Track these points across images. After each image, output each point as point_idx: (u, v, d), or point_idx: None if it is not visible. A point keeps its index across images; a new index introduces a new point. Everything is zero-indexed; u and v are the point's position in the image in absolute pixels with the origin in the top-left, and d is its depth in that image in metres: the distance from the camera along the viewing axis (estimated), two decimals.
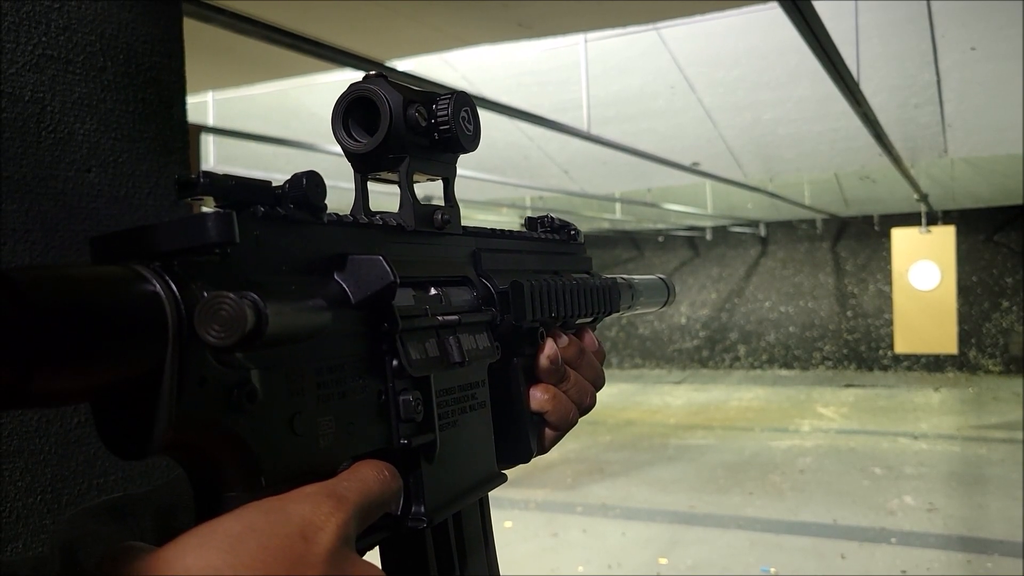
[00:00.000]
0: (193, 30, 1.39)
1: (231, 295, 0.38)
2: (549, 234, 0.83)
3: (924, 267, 9.70)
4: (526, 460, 0.72)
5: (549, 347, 0.72)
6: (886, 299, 13.08)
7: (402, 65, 3.77)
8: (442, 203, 0.66)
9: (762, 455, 8.15)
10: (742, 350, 14.84)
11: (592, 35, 4.74)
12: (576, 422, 0.75)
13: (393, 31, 3.24)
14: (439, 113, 0.61)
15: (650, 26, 4.65)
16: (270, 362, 0.44)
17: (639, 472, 7.66)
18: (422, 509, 0.56)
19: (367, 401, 0.52)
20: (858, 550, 5.39)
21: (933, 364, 13.31)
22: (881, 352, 13.69)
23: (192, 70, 1.14)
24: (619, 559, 5.43)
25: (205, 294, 0.39)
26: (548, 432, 0.74)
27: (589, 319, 0.81)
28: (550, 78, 5.37)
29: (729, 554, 5.43)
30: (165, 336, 0.37)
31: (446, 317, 0.60)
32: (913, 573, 4.97)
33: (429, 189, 0.66)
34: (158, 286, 0.38)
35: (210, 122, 4.93)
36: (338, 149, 0.62)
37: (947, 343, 9.69)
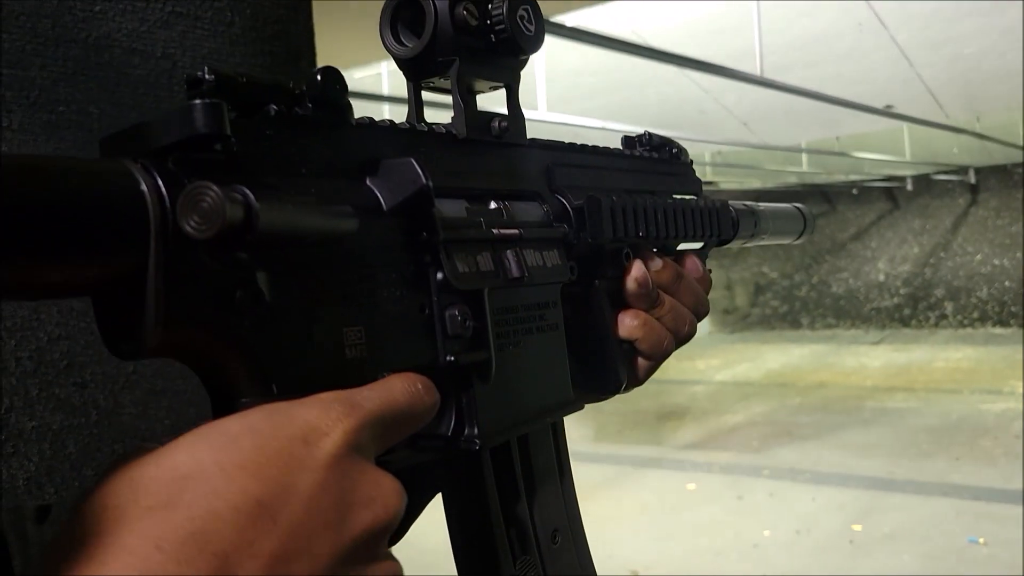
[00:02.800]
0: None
1: (213, 186, 0.36)
2: (648, 152, 0.77)
3: None
4: (615, 390, 0.68)
5: (636, 269, 0.67)
6: None
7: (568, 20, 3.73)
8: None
9: (971, 419, 7.57)
10: (949, 307, 13.82)
11: None
12: (672, 351, 0.70)
13: None
14: (493, 12, 0.57)
15: None
16: (280, 264, 0.42)
17: (831, 435, 7.33)
18: (475, 431, 0.53)
19: (406, 314, 0.50)
20: None
21: None
22: None
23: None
24: (808, 525, 5.23)
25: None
26: (640, 361, 0.70)
27: (695, 243, 0.76)
28: (723, 24, 5.17)
29: (932, 523, 5.10)
30: (146, 231, 0.36)
31: (504, 231, 0.57)
32: None
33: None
34: (142, 181, 0.37)
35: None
36: None
37: None
